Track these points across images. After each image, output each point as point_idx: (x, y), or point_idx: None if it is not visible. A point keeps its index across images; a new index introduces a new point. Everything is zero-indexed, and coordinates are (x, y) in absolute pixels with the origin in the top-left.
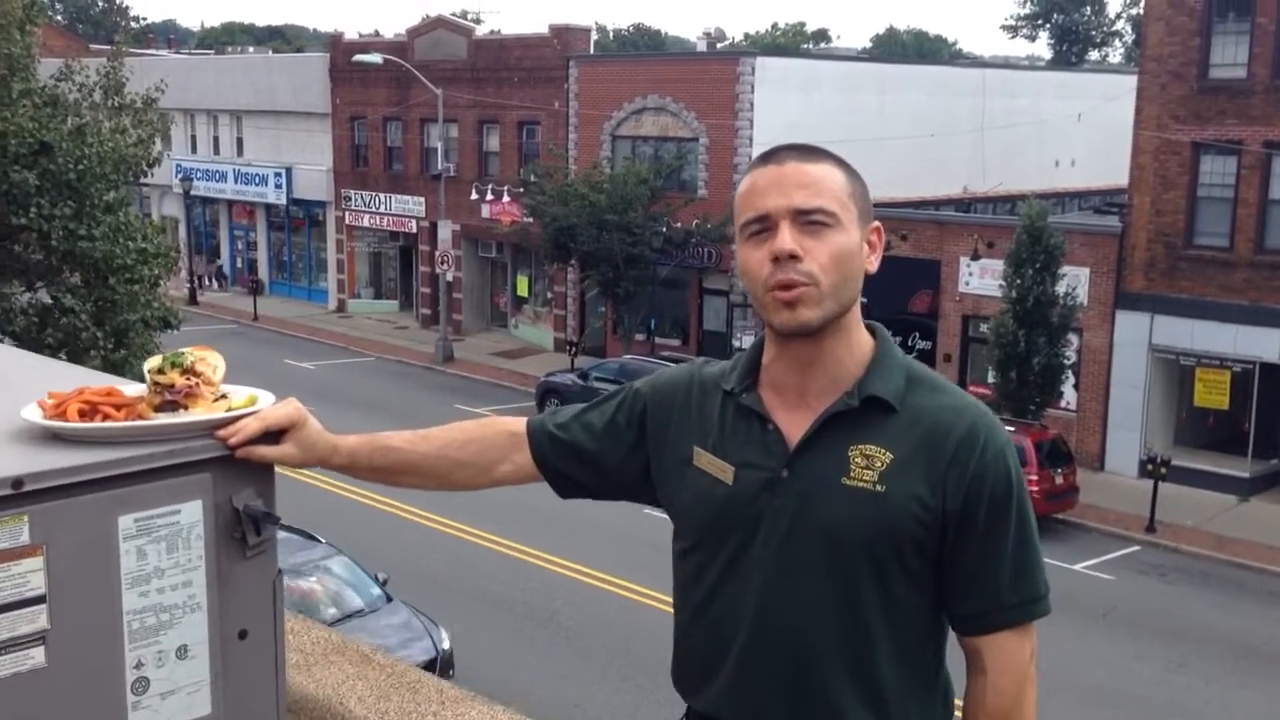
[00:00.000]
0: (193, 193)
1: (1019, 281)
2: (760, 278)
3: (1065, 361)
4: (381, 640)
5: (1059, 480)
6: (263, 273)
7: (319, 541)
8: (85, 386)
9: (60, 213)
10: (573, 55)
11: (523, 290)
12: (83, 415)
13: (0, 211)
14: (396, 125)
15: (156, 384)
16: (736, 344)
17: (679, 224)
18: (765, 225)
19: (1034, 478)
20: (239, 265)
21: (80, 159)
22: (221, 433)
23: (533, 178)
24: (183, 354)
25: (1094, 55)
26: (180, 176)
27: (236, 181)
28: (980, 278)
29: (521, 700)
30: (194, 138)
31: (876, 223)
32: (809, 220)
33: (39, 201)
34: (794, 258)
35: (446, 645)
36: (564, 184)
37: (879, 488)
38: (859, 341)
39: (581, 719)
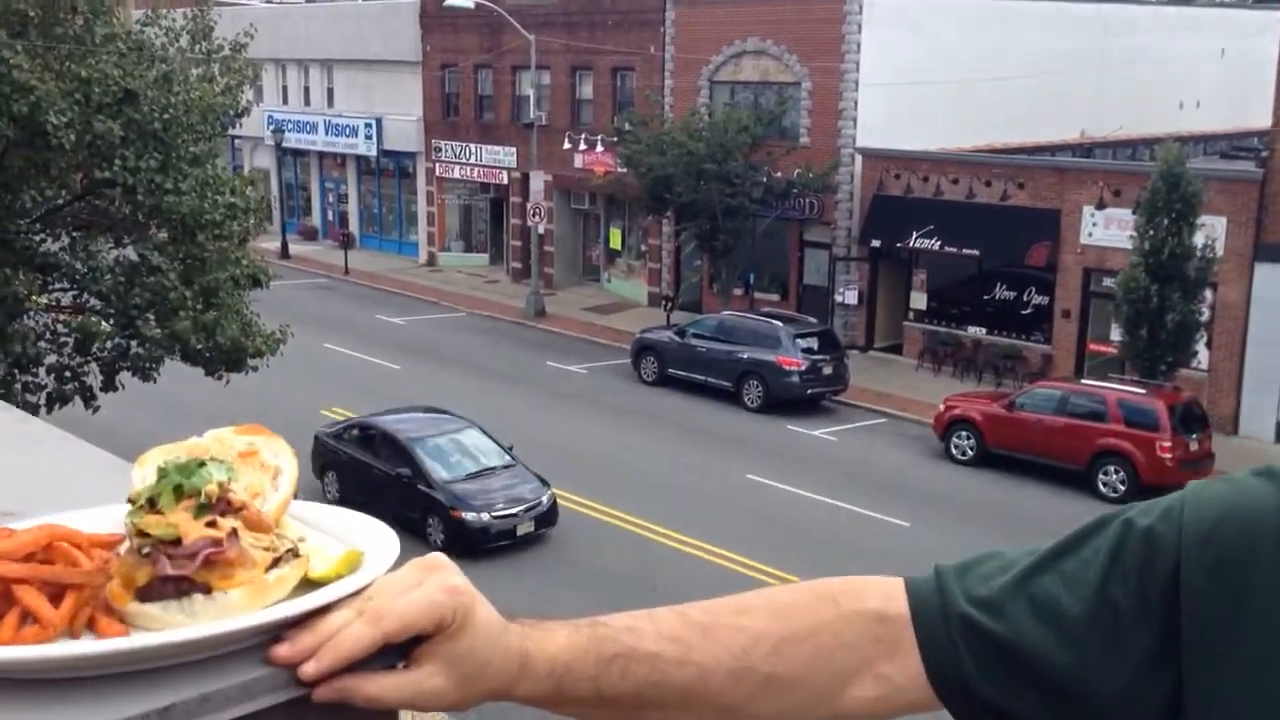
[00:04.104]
0: (284, 145)
1: (1152, 232)
2: None
3: (1200, 318)
4: (502, 484)
5: (1194, 447)
6: (353, 226)
7: (460, 418)
8: (7, 529)
9: (146, 165)
10: None
11: (616, 243)
12: None
13: (85, 164)
14: (488, 73)
15: (143, 535)
16: (839, 299)
17: (779, 174)
18: None
19: (1167, 444)
20: (330, 218)
21: (166, 108)
22: (284, 652)
23: (627, 126)
24: (200, 467)
25: None
26: (272, 128)
27: (327, 133)
28: (1105, 228)
29: None
30: (285, 88)
31: None
32: None
33: (124, 153)
34: None
35: (548, 498)
36: (660, 132)
37: None
38: None
39: None
